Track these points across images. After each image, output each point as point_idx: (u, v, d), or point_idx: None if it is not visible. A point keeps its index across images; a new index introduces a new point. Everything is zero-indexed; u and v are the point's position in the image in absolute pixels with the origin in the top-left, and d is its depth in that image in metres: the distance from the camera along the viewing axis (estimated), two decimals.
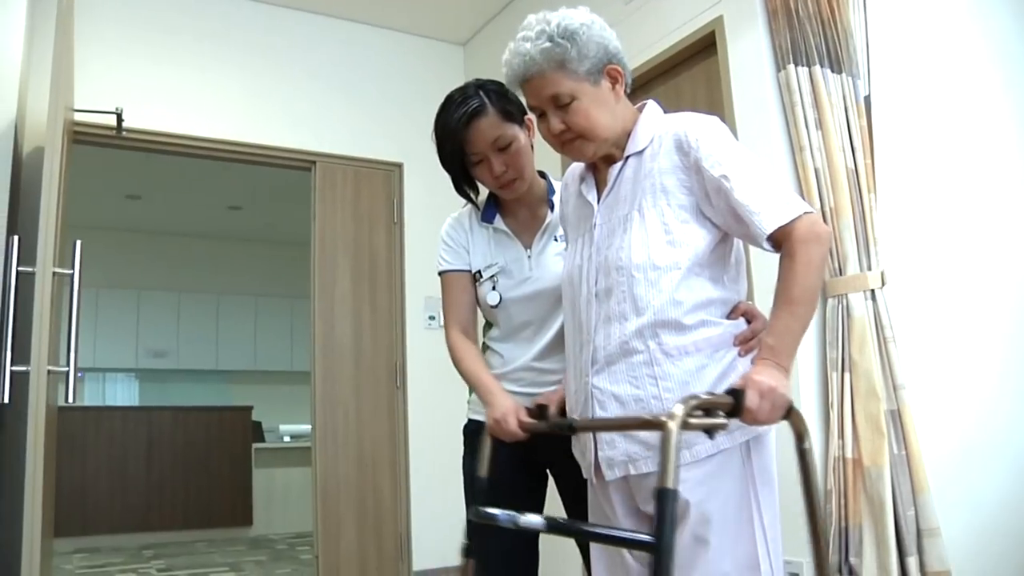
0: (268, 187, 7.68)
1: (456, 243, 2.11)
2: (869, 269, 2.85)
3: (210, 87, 4.44)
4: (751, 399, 1.41)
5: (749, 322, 1.69)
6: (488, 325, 2.16)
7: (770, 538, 1.62)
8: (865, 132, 2.96)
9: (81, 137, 3.89)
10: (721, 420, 1.39)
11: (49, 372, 2.69)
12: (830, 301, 2.87)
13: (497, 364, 2.07)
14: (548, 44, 1.62)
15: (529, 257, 2.04)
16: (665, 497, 1.28)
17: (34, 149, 4.00)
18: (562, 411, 1.83)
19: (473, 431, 2.07)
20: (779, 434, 2.75)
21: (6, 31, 3.51)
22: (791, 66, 2.96)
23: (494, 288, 2.04)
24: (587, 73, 1.64)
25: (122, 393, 9.73)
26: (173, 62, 4.37)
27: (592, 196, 1.76)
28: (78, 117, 3.68)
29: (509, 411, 1.82)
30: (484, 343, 2.15)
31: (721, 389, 1.58)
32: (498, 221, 2.08)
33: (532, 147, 2.00)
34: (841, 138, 2.92)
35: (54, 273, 2.75)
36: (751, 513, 1.60)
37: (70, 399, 2.78)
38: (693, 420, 1.36)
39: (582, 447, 1.77)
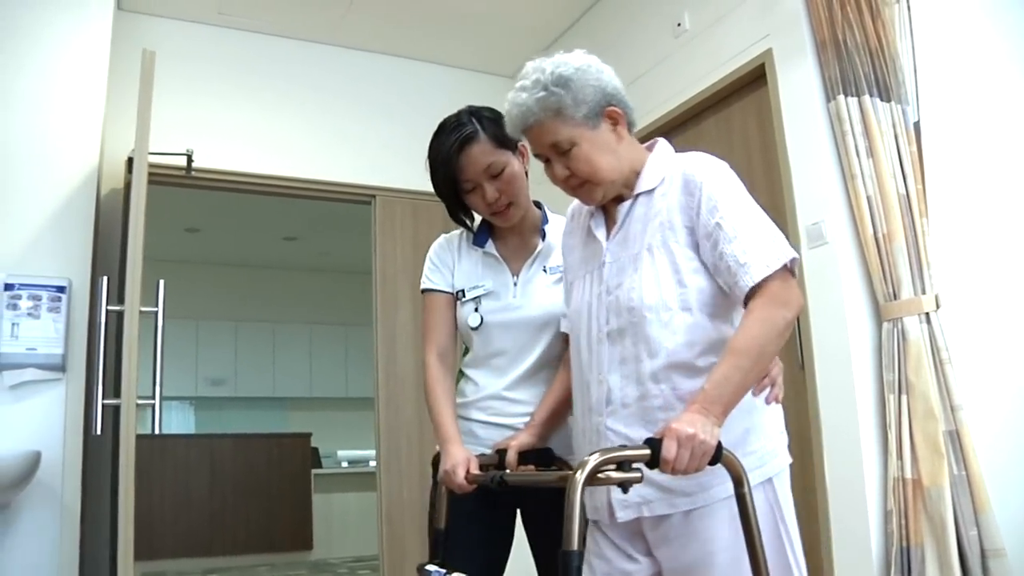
0: (323, 218, 7.88)
1: (442, 263, 2.09)
2: (923, 292, 2.90)
3: (273, 126, 4.61)
4: (668, 448, 1.35)
5: None
6: (465, 351, 2.14)
7: (802, 568, 1.62)
8: (916, 158, 3.02)
9: (154, 178, 4.07)
10: (635, 475, 1.35)
11: (137, 405, 2.85)
12: (885, 325, 2.93)
13: (470, 392, 2.05)
14: (543, 93, 1.61)
15: (515, 284, 2.02)
16: (568, 559, 1.23)
17: (110, 191, 4.22)
18: (521, 455, 1.82)
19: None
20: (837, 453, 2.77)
21: (92, 86, 3.73)
22: (841, 96, 3.03)
23: (476, 310, 2.01)
24: (584, 118, 1.62)
25: (178, 421, 9.95)
26: (238, 103, 4.55)
27: (601, 233, 1.75)
28: (151, 159, 3.86)
29: (459, 463, 1.80)
30: (460, 369, 2.13)
31: (738, 430, 1.58)
32: (489, 245, 2.06)
33: (527, 174, 1.99)
34: (892, 165, 2.98)
35: (140, 311, 2.92)
36: (783, 546, 1.59)
37: (157, 429, 2.96)
38: (612, 475, 1.34)
39: (591, 489, 1.76)
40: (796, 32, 3.20)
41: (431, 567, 1.70)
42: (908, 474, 2.79)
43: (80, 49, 3.73)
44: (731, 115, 3.62)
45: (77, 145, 3.64)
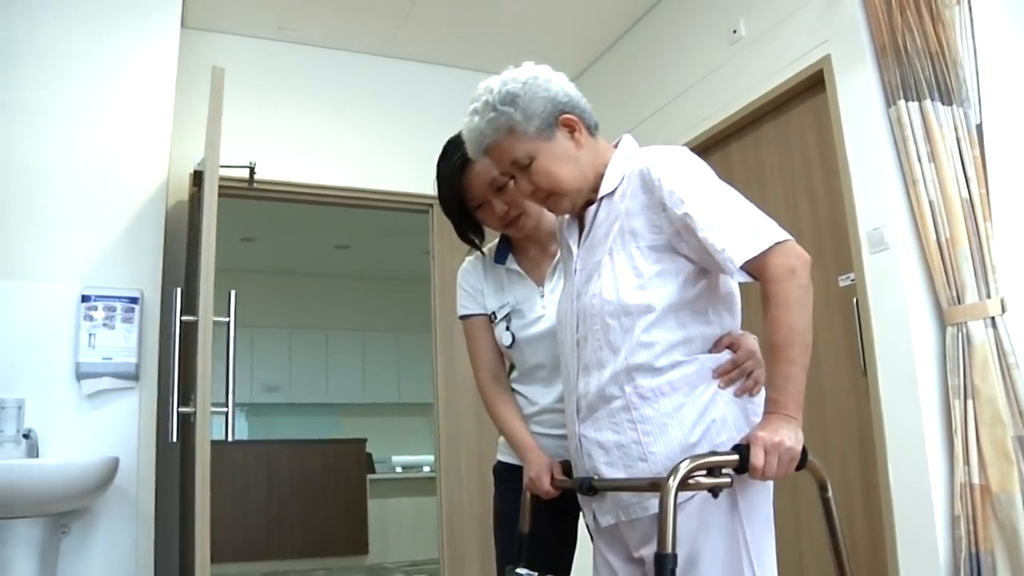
0: (375, 226, 7.98)
1: (472, 287, 2.11)
2: (988, 297, 2.87)
3: (333, 137, 4.72)
4: (756, 456, 1.38)
5: (734, 352, 1.65)
6: (511, 367, 2.16)
7: None
8: (978, 161, 2.99)
9: (218, 190, 4.17)
10: (725, 480, 1.38)
11: (212, 413, 2.94)
12: (949, 329, 2.91)
13: (524, 406, 2.06)
14: (493, 114, 1.64)
15: (542, 296, 2.03)
16: (663, 562, 1.27)
17: (176, 203, 4.34)
18: None
19: (502, 472, 2.10)
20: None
21: (160, 102, 3.85)
22: (901, 101, 3.01)
23: (507, 328, 2.03)
24: (538, 131, 1.64)
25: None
26: (298, 115, 4.66)
27: (573, 240, 1.78)
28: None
29: (543, 469, 1.84)
30: (510, 387, 2.14)
31: (701, 426, 1.57)
32: (510, 261, 2.08)
33: None
34: (954, 169, 2.96)
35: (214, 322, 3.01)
36: (740, 552, 1.56)
37: (231, 436, 3.05)
38: (703, 480, 1.37)
39: (581, 498, 1.79)
40: (855, 37, 3.19)
41: (522, 570, 1.74)
42: (976, 479, 2.77)
43: (148, 66, 3.85)
44: (789, 121, 3.61)
45: (146, 159, 3.76)
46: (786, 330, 1.47)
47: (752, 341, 1.69)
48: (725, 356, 1.64)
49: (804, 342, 1.48)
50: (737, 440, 1.58)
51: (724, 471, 1.39)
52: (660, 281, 1.60)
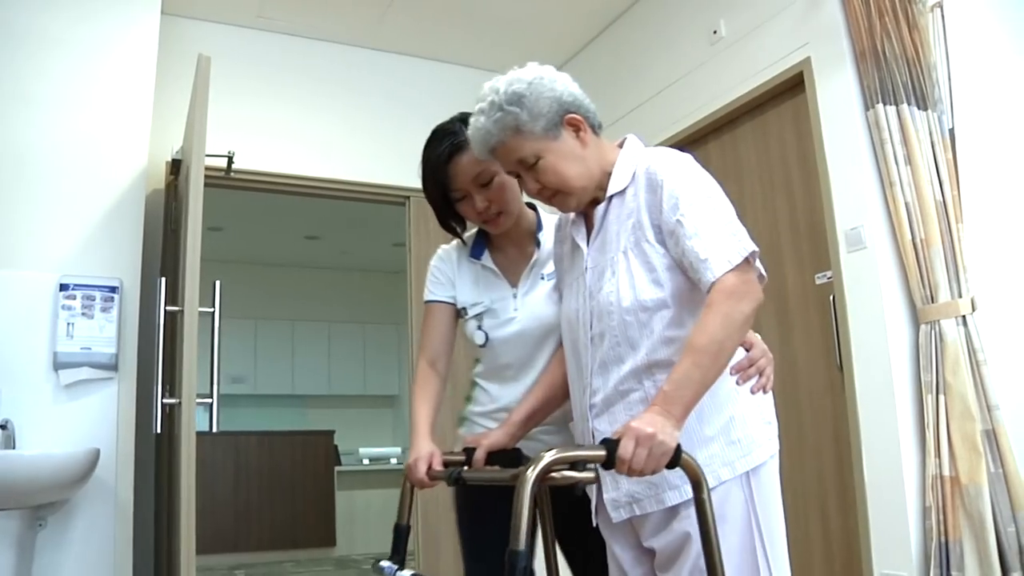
0: (345, 217, 7.95)
1: (443, 275, 2.10)
2: (960, 296, 2.96)
3: (311, 128, 4.70)
4: (625, 447, 1.35)
5: (747, 351, 1.68)
6: (476, 360, 2.15)
7: (775, 569, 1.59)
8: (951, 165, 3.08)
9: None
10: (587, 475, 1.35)
11: (197, 403, 2.93)
12: (923, 327, 3.00)
13: (485, 401, 2.06)
14: (499, 114, 1.64)
15: (515, 296, 2.02)
16: (514, 560, 1.23)
17: (152, 192, 4.30)
18: (490, 454, 1.81)
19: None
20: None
21: (140, 89, 3.81)
22: (879, 105, 3.09)
23: (479, 327, 2.03)
24: (544, 130, 1.65)
25: (197, 418, 9.93)
26: (276, 105, 4.63)
27: (582, 239, 1.77)
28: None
29: (422, 457, 1.81)
30: (472, 379, 2.14)
31: (720, 420, 1.59)
32: (486, 258, 2.07)
33: None
34: (929, 172, 3.04)
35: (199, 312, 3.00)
36: (754, 544, 1.58)
37: (215, 427, 3.04)
38: (567, 473, 1.34)
39: (589, 489, 1.77)
40: (835, 41, 3.26)
41: (384, 563, 1.69)
42: (946, 472, 2.87)
43: (128, 53, 3.80)
44: (767, 122, 3.68)
45: (125, 148, 3.72)
46: (710, 340, 1.46)
47: (761, 340, 1.73)
48: (741, 354, 1.66)
49: (719, 362, 1.49)
50: (754, 436, 1.63)
51: (589, 466, 1.36)
52: (671, 275, 1.62)
